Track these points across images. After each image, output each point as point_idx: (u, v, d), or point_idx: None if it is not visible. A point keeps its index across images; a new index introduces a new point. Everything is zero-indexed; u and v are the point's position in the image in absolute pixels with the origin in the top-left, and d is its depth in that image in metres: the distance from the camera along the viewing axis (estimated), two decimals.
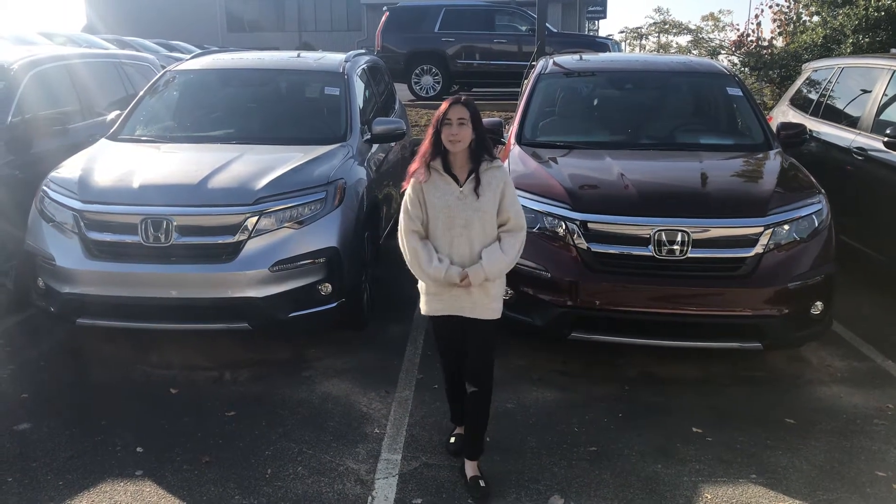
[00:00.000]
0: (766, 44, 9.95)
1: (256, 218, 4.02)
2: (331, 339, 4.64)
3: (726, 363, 4.32)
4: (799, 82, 7.25)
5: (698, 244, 3.79)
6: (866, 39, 8.26)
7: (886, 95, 5.63)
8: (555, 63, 5.59)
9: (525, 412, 3.79)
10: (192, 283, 3.97)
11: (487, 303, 3.04)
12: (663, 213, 3.82)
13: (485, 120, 5.23)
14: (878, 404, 3.90)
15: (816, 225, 3.98)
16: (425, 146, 3.01)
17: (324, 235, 4.18)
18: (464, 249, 2.98)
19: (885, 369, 4.35)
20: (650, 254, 3.82)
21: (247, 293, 3.99)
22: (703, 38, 10.60)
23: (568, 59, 5.66)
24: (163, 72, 5.79)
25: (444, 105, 2.96)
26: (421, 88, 14.27)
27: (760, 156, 4.64)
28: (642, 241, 3.84)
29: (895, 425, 3.68)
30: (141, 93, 5.52)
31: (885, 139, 4.93)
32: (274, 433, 3.57)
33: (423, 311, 3.17)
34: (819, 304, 3.94)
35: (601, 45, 14.61)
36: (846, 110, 6.16)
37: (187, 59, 5.97)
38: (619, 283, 3.85)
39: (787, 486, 3.16)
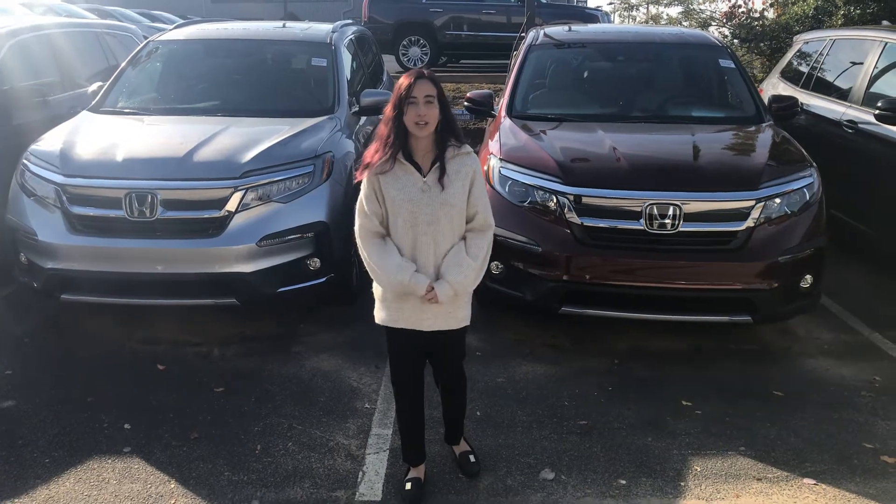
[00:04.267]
0: (757, 15, 9.88)
1: (243, 192, 3.96)
2: (320, 314, 4.61)
3: (717, 337, 4.33)
4: (790, 54, 7.20)
5: (690, 218, 3.77)
6: (857, 11, 8.21)
7: (878, 68, 5.59)
8: (545, 34, 5.51)
9: (515, 386, 3.79)
10: (178, 258, 3.91)
11: (453, 312, 2.69)
12: (655, 186, 3.79)
13: (475, 92, 5.26)
14: (865, 376, 3.93)
15: (808, 198, 3.96)
16: (385, 131, 2.56)
17: (312, 210, 4.12)
18: (428, 249, 2.61)
19: (872, 342, 4.38)
20: (641, 228, 3.79)
21: (234, 268, 3.94)
22: (693, 9, 10.51)
23: (558, 31, 5.58)
24: (145, 42, 5.65)
25: (406, 80, 2.50)
26: (409, 60, 14.07)
27: (752, 129, 4.61)
28: (634, 215, 3.81)
29: (882, 397, 3.71)
30: (123, 64, 5.40)
31: (876, 112, 4.91)
32: (264, 409, 3.54)
33: (377, 320, 2.78)
34: (809, 277, 3.94)
35: (591, 16, 14.44)
36: (837, 83, 6.12)
37: (170, 29, 5.84)
38: (611, 257, 3.83)
39: (775, 457, 3.18)
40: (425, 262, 2.62)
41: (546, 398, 3.68)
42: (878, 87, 5.55)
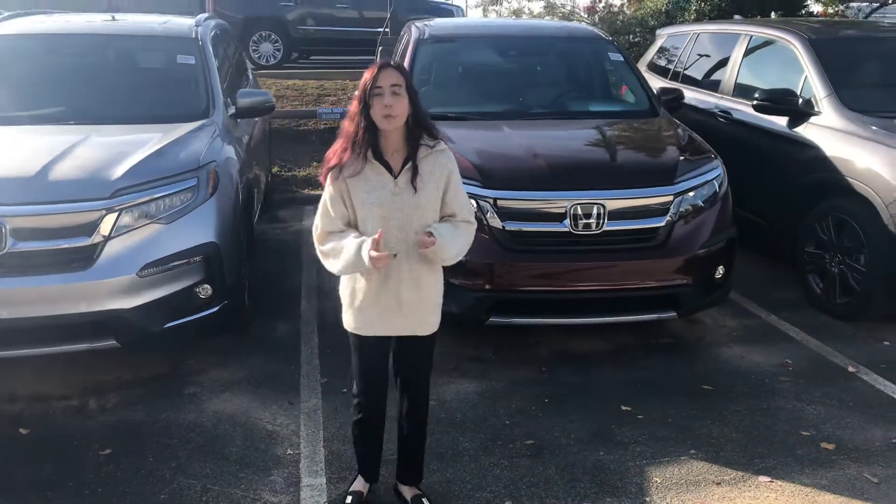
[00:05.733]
0: (616, 10, 10.23)
1: (116, 214, 3.34)
2: (210, 345, 4.05)
3: (633, 333, 4.29)
4: (654, 48, 7.44)
5: (613, 216, 3.67)
6: (707, 6, 8.69)
7: (745, 59, 5.86)
8: (431, 29, 5.23)
9: (449, 409, 3.50)
10: (38, 298, 3.23)
11: (426, 316, 2.51)
12: (578, 186, 3.65)
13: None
14: (777, 360, 4.03)
15: (717, 190, 4.00)
16: (351, 127, 2.35)
17: (199, 229, 3.58)
18: (399, 256, 2.39)
19: (773, 324, 4.54)
20: (566, 229, 3.64)
21: (111, 305, 3.33)
22: (555, 3, 10.72)
23: (445, 25, 5.33)
24: None
25: (370, 71, 2.32)
26: (260, 56, 13.26)
27: (655, 122, 4.62)
28: (558, 217, 3.65)
29: (799, 381, 3.81)
30: None
31: (754, 103, 5.09)
32: (166, 469, 3.00)
33: (347, 327, 2.56)
34: (721, 268, 3.98)
35: (446, 10, 14.35)
36: (706, 75, 6.36)
37: None
38: (537, 262, 3.65)
39: (726, 457, 3.13)
40: (397, 267, 2.41)
41: (484, 419, 3.42)
42: (746, 78, 5.81)
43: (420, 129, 2.39)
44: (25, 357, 3.50)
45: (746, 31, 5.93)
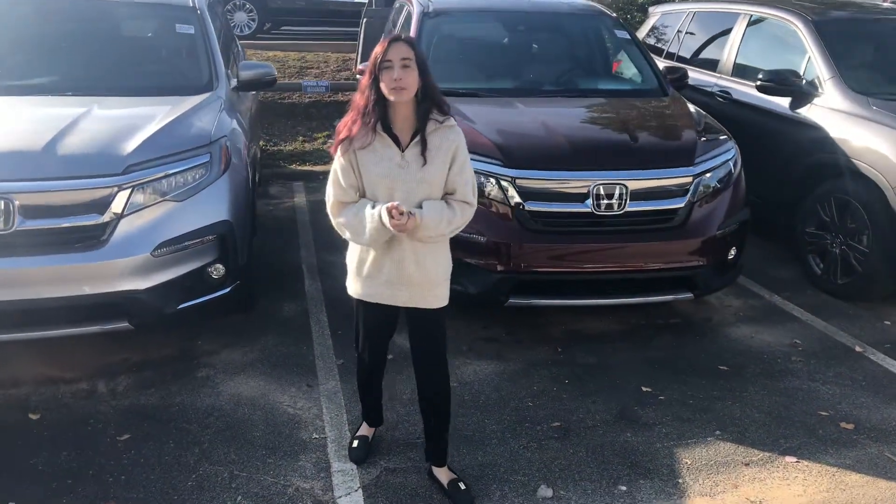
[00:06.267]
0: None
1: (129, 191, 3.20)
2: (218, 326, 3.95)
3: (642, 314, 4.30)
4: (648, 26, 7.40)
5: (635, 197, 3.64)
6: None
7: (744, 39, 5.85)
8: (436, 3, 5.09)
9: (471, 391, 3.47)
10: (49, 279, 3.09)
11: (432, 288, 2.51)
12: (601, 166, 3.61)
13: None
14: (787, 341, 4.08)
15: (732, 171, 3.99)
16: (362, 100, 2.38)
17: (213, 207, 3.46)
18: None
19: (776, 304, 4.59)
20: (589, 210, 3.60)
21: (125, 286, 3.20)
22: None
23: None
24: None
25: (381, 45, 2.34)
26: (235, 26, 12.84)
27: (666, 101, 4.58)
28: (580, 197, 3.60)
29: (811, 361, 3.86)
30: None
31: (757, 83, 5.10)
32: (190, 456, 2.91)
33: (350, 292, 2.62)
34: (734, 249, 4.00)
35: None
36: (704, 54, 6.35)
37: None
38: (558, 242, 3.61)
39: (751, 438, 3.16)
40: (399, 238, 2.42)
41: (507, 401, 3.40)
42: (745, 58, 5.81)
43: (429, 103, 2.40)
44: (31, 339, 3.35)
45: (746, 11, 5.92)
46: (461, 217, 2.46)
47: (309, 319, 4.15)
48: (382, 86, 2.33)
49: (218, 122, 3.74)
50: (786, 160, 5.05)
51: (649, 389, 3.53)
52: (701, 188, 3.79)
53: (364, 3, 11.18)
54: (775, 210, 5.18)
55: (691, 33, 6.66)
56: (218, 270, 3.53)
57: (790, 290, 4.78)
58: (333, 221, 2.51)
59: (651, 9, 7.59)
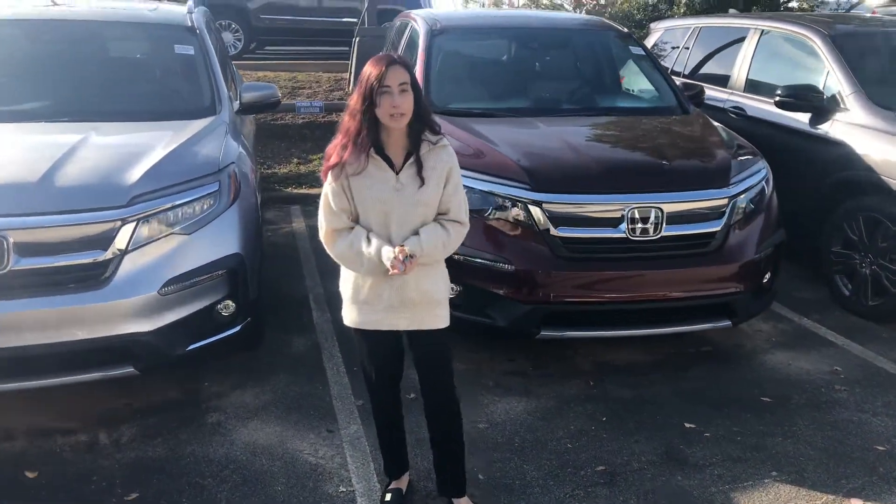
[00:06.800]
0: (605, 2, 10.04)
1: (134, 224, 2.94)
2: (225, 364, 3.68)
3: (670, 342, 4.09)
4: (650, 43, 7.26)
5: (671, 221, 3.44)
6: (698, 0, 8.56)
7: (756, 54, 5.73)
8: (444, 20, 4.90)
9: (504, 433, 3.23)
10: (47, 322, 2.81)
11: (432, 309, 2.43)
12: (635, 188, 3.41)
13: None
14: (827, 368, 3.89)
15: (766, 191, 3.82)
16: (353, 124, 2.27)
17: (223, 239, 3.21)
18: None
19: (807, 328, 4.41)
20: (623, 235, 3.39)
21: (130, 328, 2.93)
22: None
23: (457, 16, 5.02)
24: None
25: (376, 67, 2.22)
26: None
27: (690, 119, 4.41)
28: (614, 222, 3.40)
29: (856, 389, 3.67)
30: None
31: (776, 99, 4.95)
32: None
33: (348, 323, 2.49)
34: (769, 273, 3.81)
35: (412, 1, 13.98)
36: (713, 70, 6.21)
37: None
38: (591, 270, 3.40)
39: (811, 478, 2.95)
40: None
41: (544, 443, 3.16)
42: (758, 74, 5.68)
43: (422, 125, 2.32)
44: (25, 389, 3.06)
45: (757, 26, 5.80)
46: (456, 238, 2.41)
47: (321, 355, 3.90)
48: (379, 111, 2.23)
49: (225, 148, 3.50)
50: (808, 177, 4.89)
51: (693, 426, 3.31)
52: (737, 210, 3.60)
53: (352, 22, 11.05)
54: (797, 229, 5.02)
55: (697, 49, 6.53)
56: (228, 308, 3.27)
57: (818, 313, 4.61)
58: (328, 250, 2.42)
59: (652, 25, 7.47)
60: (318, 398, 3.48)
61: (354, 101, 2.28)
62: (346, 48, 11.56)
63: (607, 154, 3.70)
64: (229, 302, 3.27)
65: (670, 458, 3.07)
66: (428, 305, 2.42)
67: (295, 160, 8.00)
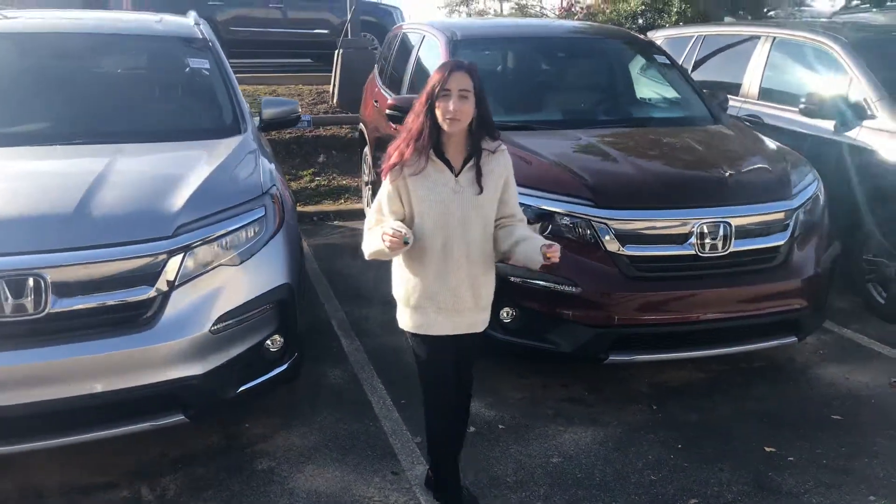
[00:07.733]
0: (594, 11, 9.98)
1: (181, 256, 2.66)
2: (259, 402, 3.38)
3: (722, 359, 3.93)
4: None
5: (739, 235, 3.30)
6: (689, 8, 8.56)
7: (769, 62, 5.68)
8: (462, 31, 4.69)
9: (581, 467, 3.02)
10: (88, 371, 2.50)
11: (481, 313, 2.50)
12: (702, 202, 3.27)
13: (399, 97, 4.31)
14: (883, 381, 3.79)
15: (821, 201, 3.71)
16: (415, 125, 2.31)
17: (273, 269, 2.95)
18: (459, 252, 2.35)
19: (850, 339, 4.33)
20: (692, 252, 3.24)
21: (180, 372, 2.64)
22: (525, 3, 10.32)
23: (477, 25, 4.84)
24: None
25: (441, 71, 2.28)
26: None
27: (732, 129, 4.29)
28: (682, 238, 3.24)
29: None
30: None
31: (801, 107, 4.89)
32: None
33: (405, 327, 2.47)
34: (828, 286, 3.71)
35: (385, 12, 13.78)
36: (720, 78, 6.14)
37: None
38: (660, 290, 3.23)
39: None
40: (456, 266, 2.37)
41: (626, 476, 2.97)
42: (773, 82, 5.63)
43: (482, 131, 2.36)
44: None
45: (768, 33, 5.76)
46: None
47: (363, 387, 3.64)
48: (438, 113, 2.28)
49: (263, 170, 3.24)
50: (836, 185, 4.82)
51: (773, 449, 3.16)
52: (798, 222, 3.48)
53: (324, 34, 10.89)
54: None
55: (702, 58, 6.47)
56: (276, 343, 3.00)
57: (856, 322, 4.54)
58: (365, 238, 2.44)
59: (650, 34, 7.41)
60: (372, 436, 3.22)
61: (419, 103, 2.32)
62: (320, 61, 11.33)
63: (667, 167, 3.55)
64: (277, 336, 3.00)
65: (761, 486, 2.91)
66: (479, 310, 2.46)
67: (286, 177, 7.69)
